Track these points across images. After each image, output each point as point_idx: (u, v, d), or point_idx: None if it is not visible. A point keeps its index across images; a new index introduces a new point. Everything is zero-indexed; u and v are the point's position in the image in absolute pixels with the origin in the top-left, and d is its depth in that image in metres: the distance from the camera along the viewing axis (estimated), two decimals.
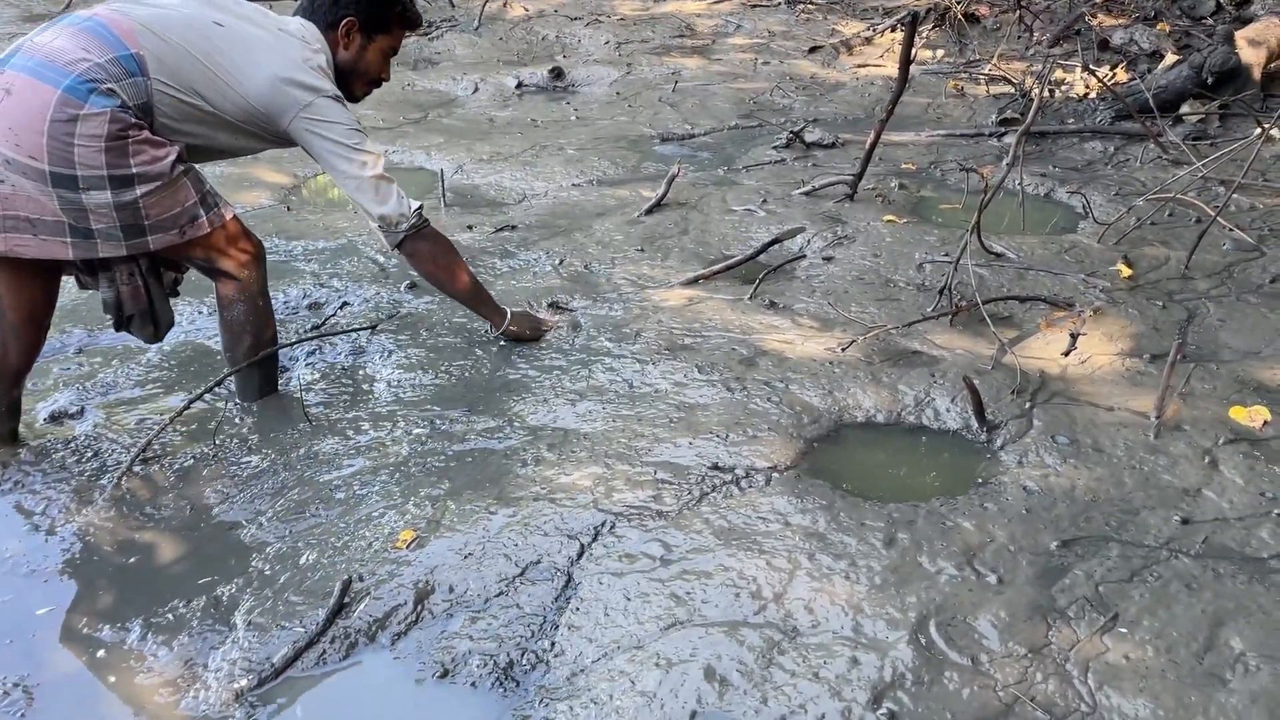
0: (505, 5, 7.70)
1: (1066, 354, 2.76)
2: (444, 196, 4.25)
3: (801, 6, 7.10)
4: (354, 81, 2.69)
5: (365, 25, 2.62)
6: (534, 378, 2.82)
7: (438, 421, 2.64)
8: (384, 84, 2.79)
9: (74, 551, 2.26)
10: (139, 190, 2.32)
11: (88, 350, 3.08)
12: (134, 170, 2.31)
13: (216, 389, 2.72)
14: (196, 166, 2.50)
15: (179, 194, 2.40)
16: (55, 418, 2.71)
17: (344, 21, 2.59)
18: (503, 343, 2.99)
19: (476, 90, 6.15)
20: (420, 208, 2.72)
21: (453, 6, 7.92)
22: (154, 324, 2.62)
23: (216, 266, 2.59)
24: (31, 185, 2.26)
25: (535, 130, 5.32)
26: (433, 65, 6.75)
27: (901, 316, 3.01)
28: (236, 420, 2.69)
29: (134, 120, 2.30)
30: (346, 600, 2.04)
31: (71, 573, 2.20)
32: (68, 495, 2.41)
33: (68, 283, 3.29)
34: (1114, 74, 5.22)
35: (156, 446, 2.56)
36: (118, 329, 2.62)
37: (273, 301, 3.30)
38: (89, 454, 2.56)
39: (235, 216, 2.59)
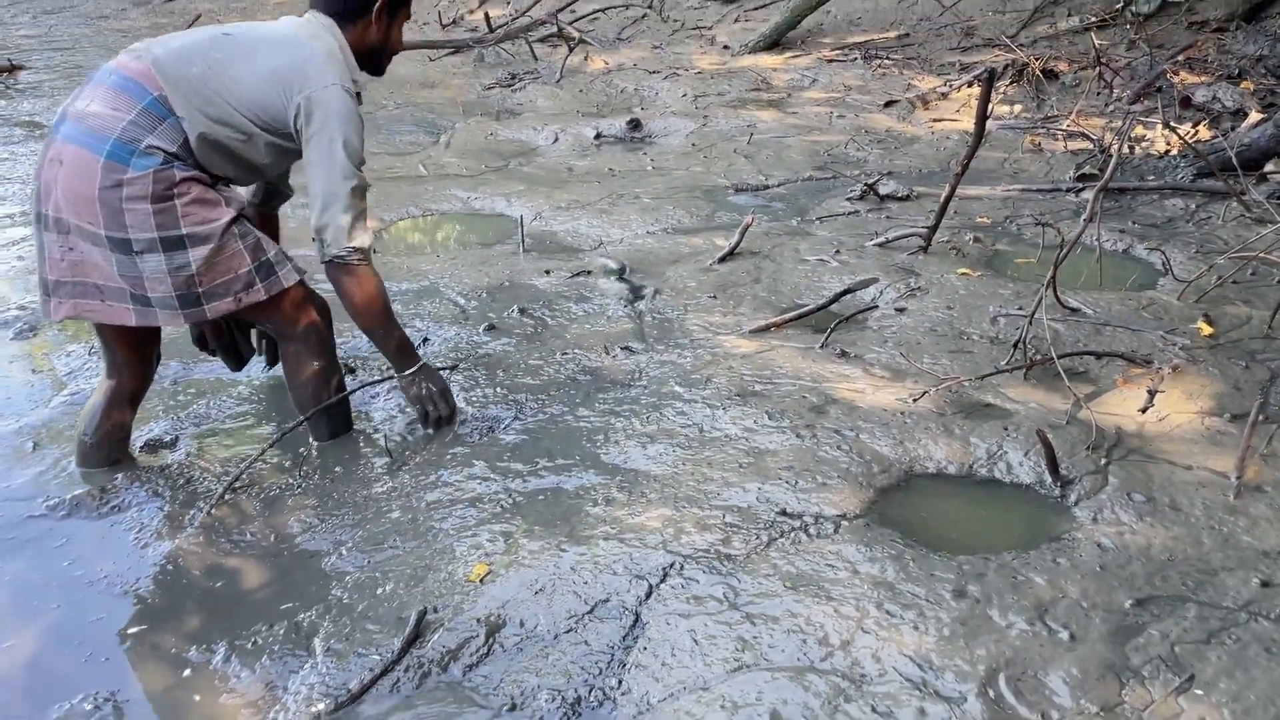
0: (586, 59, 7.90)
1: (1144, 411, 2.73)
2: (523, 242, 4.37)
3: (878, 62, 7.15)
4: (384, 59, 2.71)
5: (390, 4, 2.62)
6: (606, 419, 2.88)
7: (511, 459, 2.71)
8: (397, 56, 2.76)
9: (164, 574, 2.36)
10: (191, 254, 2.38)
11: (182, 382, 3.22)
12: (184, 231, 2.36)
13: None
14: (259, 232, 2.55)
15: (233, 260, 2.45)
16: (151, 446, 2.84)
17: (376, 6, 2.58)
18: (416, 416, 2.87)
19: (556, 140, 6.30)
20: (359, 249, 2.54)
21: (535, 59, 8.15)
22: (236, 356, 2.76)
23: (279, 330, 2.68)
24: (96, 251, 2.36)
25: (612, 179, 5.43)
26: (515, 115, 6.94)
27: (974, 369, 3.00)
28: (322, 453, 2.79)
29: (182, 175, 2.36)
30: (421, 631, 2.10)
31: (161, 594, 2.30)
32: (160, 520, 2.52)
33: None
34: (1196, 131, 5.16)
35: (245, 476, 2.66)
36: (209, 352, 2.80)
37: (358, 340, 3.44)
38: (181, 481, 2.68)
39: (301, 282, 2.62)
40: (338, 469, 2.71)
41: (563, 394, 3.05)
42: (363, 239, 2.53)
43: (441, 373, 2.99)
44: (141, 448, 2.84)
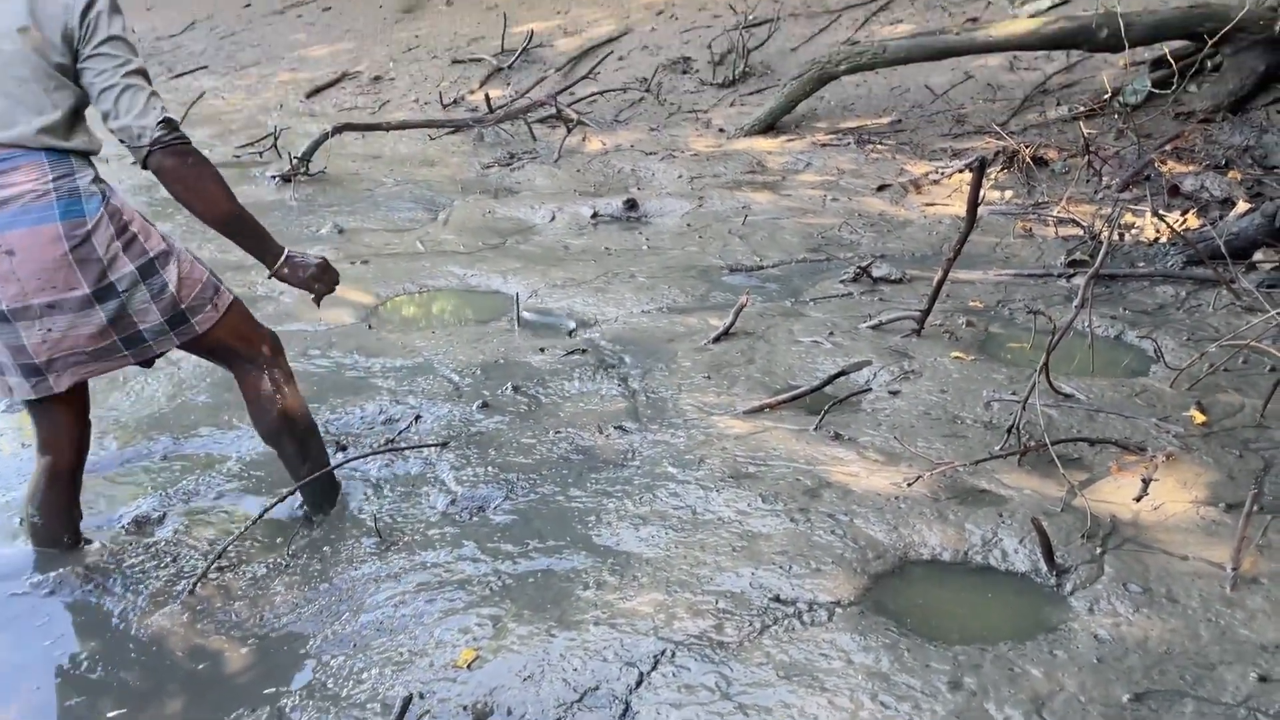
0: (584, 139, 8.03)
1: (1138, 499, 2.72)
2: (518, 319, 4.38)
3: (871, 146, 7.28)
4: None
5: None
6: (598, 500, 2.86)
7: (501, 540, 2.68)
8: None
9: (146, 655, 2.32)
10: (165, 275, 2.39)
11: (172, 457, 3.20)
12: (152, 254, 2.38)
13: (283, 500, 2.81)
14: None
15: (194, 270, 2.47)
16: (138, 523, 2.81)
17: None
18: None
19: (553, 218, 6.37)
20: (169, 120, 2.34)
21: (534, 139, 8.28)
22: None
23: (242, 350, 2.61)
24: (80, 317, 2.31)
25: (608, 258, 5.48)
26: (513, 194, 7.03)
27: (968, 454, 3.00)
28: (309, 531, 2.76)
29: (116, 202, 2.34)
30: (407, 717, 2.05)
31: (143, 676, 2.26)
32: (144, 600, 2.49)
33: (158, 391, 3.45)
34: (1184, 219, 5.24)
35: (232, 554, 2.63)
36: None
37: (349, 417, 3.43)
38: (167, 559, 2.64)
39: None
40: (325, 548, 2.68)
41: (555, 473, 3.03)
42: (166, 112, 2.34)
43: (433, 450, 2.99)
44: (128, 524, 2.81)
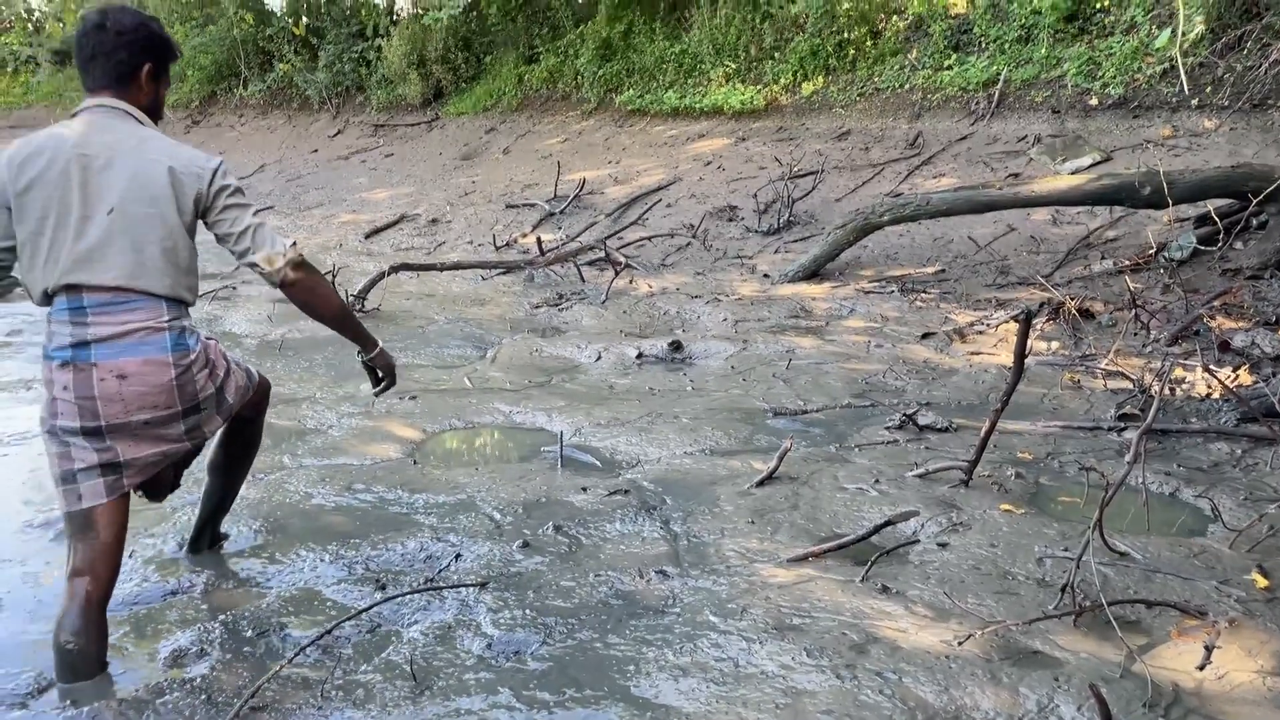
0: (631, 282, 8.20)
1: (1201, 668, 2.61)
2: (561, 458, 4.39)
3: (915, 295, 7.35)
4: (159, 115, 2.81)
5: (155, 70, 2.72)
6: (637, 648, 2.79)
7: (537, 688, 2.62)
8: None
9: None
10: (227, 392, 2.86)
11: (214, 590, 3.19)
12: (220, 374, 2.82)
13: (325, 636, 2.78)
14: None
15: (237, 378, 2.91)
16: (175, 657, 2.79)
17: (145, 68, 2.67)
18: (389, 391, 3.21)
19: (599, 358, 6.45)
20: (294, 243, 2.77)
21: (583, 281, 8.48)
22: (171, 489, 3.00)
23: (258, 408, 3.24)
24: (166, 428, 2.70)
25: (652, 398, 5.51)
26: (560, 334, 7.15)
27: (1021, 612, 2.91)
28: (347, 670, 2.71)
29: (203, 338, 2.76)
30: None
31: None
32: None
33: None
34: (1236, 376, 5.18)
35: (267, 692, 2.59)
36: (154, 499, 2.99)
37: (390, 554, 3.42)
38: (203, 695, 2.61)
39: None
40: (359, 691, 2.63)
41: (594, 618, 2.98)
42: (288, 237, 2.81)
43: (472, 590, 2.99)
44: (166, 657, 2.78)
